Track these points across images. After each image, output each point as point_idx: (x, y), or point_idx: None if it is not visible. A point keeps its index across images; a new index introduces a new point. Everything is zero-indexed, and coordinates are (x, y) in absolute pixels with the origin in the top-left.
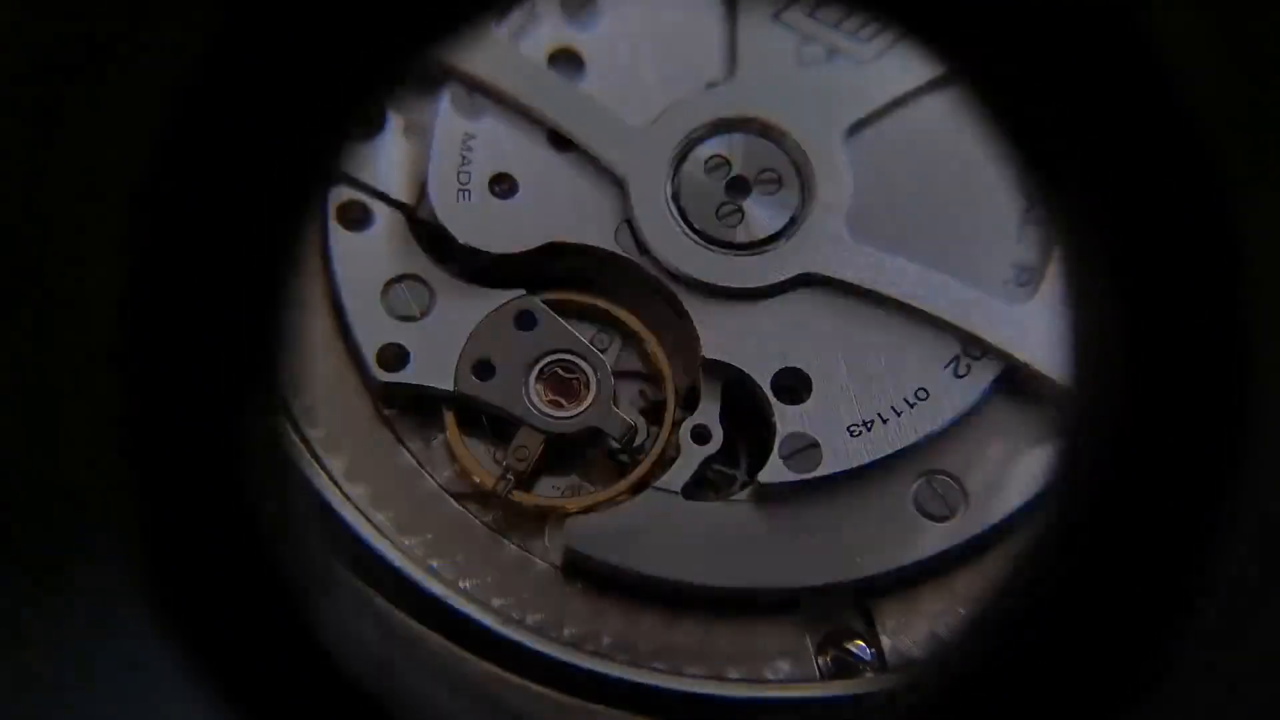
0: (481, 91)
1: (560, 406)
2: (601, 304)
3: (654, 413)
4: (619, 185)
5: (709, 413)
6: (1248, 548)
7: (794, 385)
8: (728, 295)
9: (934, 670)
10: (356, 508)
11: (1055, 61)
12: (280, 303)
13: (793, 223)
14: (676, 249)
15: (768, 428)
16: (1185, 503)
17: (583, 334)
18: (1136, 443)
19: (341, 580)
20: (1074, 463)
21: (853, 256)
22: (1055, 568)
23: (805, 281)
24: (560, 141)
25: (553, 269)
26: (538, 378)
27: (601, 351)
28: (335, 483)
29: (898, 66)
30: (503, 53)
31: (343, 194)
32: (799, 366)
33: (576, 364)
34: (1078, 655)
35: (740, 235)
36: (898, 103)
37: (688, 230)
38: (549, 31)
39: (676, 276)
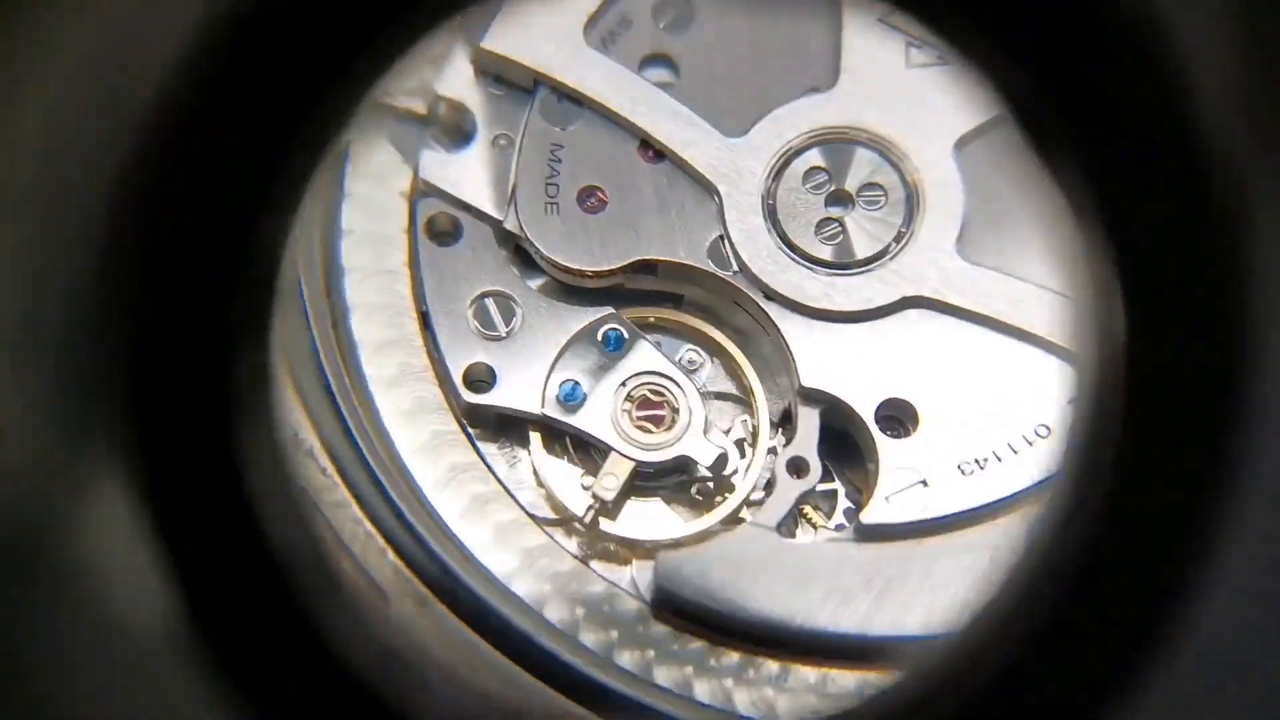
0: (571, 99)
1: (649, 432)
2: (692, 323)
3: (747, 440)
4: (712, 198)
5: (806, 443)
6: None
7: (899, 417)
8: (827, 317)
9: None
10: (438, 527)
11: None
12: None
13: (898, 240)
14: (772, 266)
15: (871, 462)
16: (1184, 500)
17: (672, 355)
18: (1137, 442)
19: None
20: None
21: (963, 277)
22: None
23: (912, 304)
24: (651, 152)
25: (642, 285)
26: (626, 400)
27: (692, 373)
28: (418, 499)
29: None
30: (593, 59)
31: (431, 206)
32: (904, 397)
33: (666, 387)
34: (1078, 652)
35: (841, 253)
36: None
37: (784, 247)
38: (642, 37)
39: (772, 296)
